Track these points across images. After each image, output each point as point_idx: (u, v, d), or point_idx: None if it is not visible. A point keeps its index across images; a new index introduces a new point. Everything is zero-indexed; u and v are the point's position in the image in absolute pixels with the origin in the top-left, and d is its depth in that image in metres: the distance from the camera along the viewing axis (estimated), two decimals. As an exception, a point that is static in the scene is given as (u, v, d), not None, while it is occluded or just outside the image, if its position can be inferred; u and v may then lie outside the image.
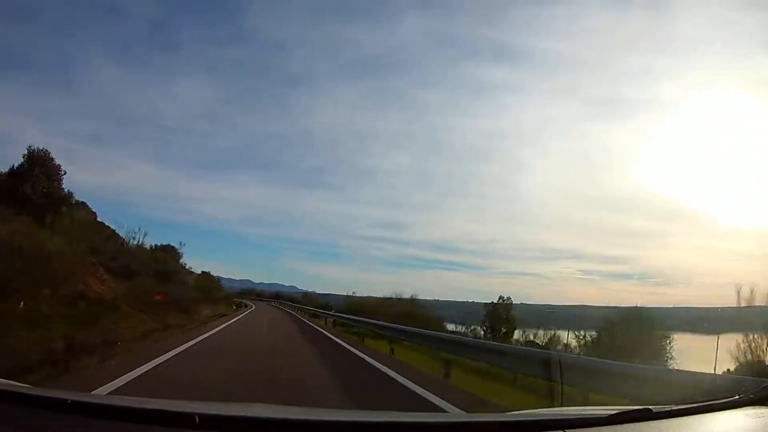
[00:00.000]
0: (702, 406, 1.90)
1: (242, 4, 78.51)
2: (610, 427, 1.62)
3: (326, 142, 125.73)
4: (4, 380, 1.92)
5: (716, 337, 13.24)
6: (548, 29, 66.19)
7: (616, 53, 70.33)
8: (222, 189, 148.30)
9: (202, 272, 41.31)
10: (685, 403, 1.95)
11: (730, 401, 1.92)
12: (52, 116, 79.82)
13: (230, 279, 72.90)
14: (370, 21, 75.47)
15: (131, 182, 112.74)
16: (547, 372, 5.41)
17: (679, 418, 1.78)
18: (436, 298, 47.17)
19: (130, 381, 5.86)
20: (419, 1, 66.39)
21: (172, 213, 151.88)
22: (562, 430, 1.58)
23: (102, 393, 4.82)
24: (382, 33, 76.47)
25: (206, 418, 1.45)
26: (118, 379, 5.77)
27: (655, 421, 1.73)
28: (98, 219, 23.66)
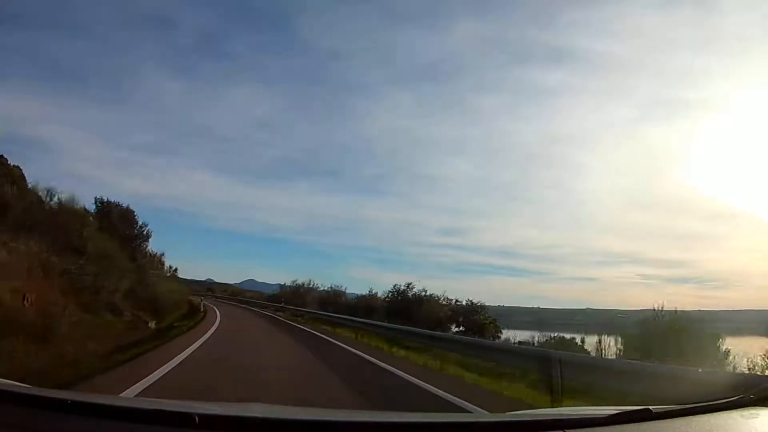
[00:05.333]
0: (702, 406, 1.90)
1: (294, 14, 78.75)
2: (609, 427, 1.62)
3: (386, 149, 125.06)
4: (4, 380, 1.92)
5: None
6: (602, 31, 65.54)
7: (668, 53, 69.41)
8: (282, 197, 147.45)
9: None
10: (685, 403, 1.95)
11: (730, 401, 1.91)
12: (111, 128, 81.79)
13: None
14: (423, 28, 75.31)
15: (189, 191, 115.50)
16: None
17: (679, 419, 1.78)
18: (501, 304, 43.02)
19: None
20: (472, 7, 65.96)
21: (232, 221, 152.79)
22: (562, 430, 1.58)
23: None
24: (436, 39, 76.15)
25: (206, 418, 1.45)
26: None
27: (655, 422, 1.73)
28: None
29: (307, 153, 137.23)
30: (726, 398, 1.94)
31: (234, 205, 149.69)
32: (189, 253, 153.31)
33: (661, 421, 1.75)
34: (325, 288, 35.00)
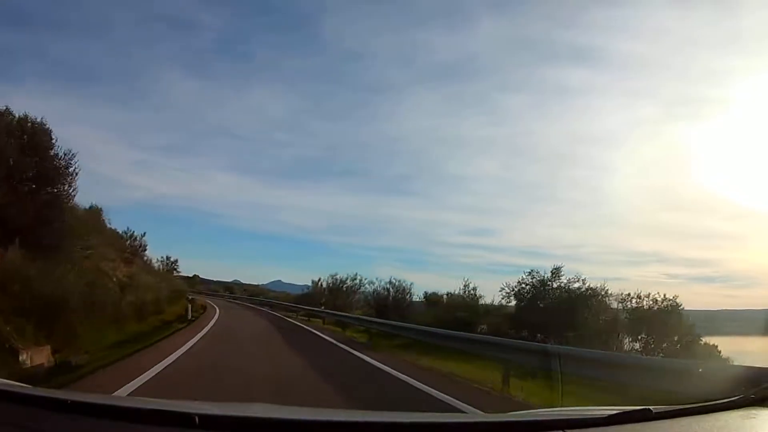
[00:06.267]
0: (702, 406, 1.90)
1: (314, 13, 78.34)
2: (609, 427, 1.62)
3: (410, 148, 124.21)
4: (4, 380, 1.93)
5: None
6: (625, 30, 64.94)
7: (691, 53, 68.07)
8: (305, 198, 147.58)
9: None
10: (685, 404, 1.95)
11: (730, 401, 1.91)
12: (130, 129, 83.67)
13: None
14: (446, 27, 74.76)
15: (211, 192, 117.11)
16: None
17: (679, 419, 1.78)
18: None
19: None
20: (494, 5, 65.65)
21: (256, 223, 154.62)
22: (562, 430, 1.58)
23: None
24: (458, 38, 75.51)
25: (206, 418, 1.44)
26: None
27: (654, 422, 1.72)
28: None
29: (329, 153, 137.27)
30: (726, 398, 1.94)
31: (257, 206, 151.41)
32: (213, 254, 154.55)
33: (661, 421, 1.74)
34: (381, 285, 23.27)
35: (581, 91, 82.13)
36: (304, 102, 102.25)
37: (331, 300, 27.25)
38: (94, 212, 18.98)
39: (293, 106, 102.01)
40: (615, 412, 1.70)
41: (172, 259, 38.39)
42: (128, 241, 22.58)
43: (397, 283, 22.62)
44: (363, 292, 27.59)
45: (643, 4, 56.99)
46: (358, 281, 28.55)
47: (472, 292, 18.28)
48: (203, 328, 15.05)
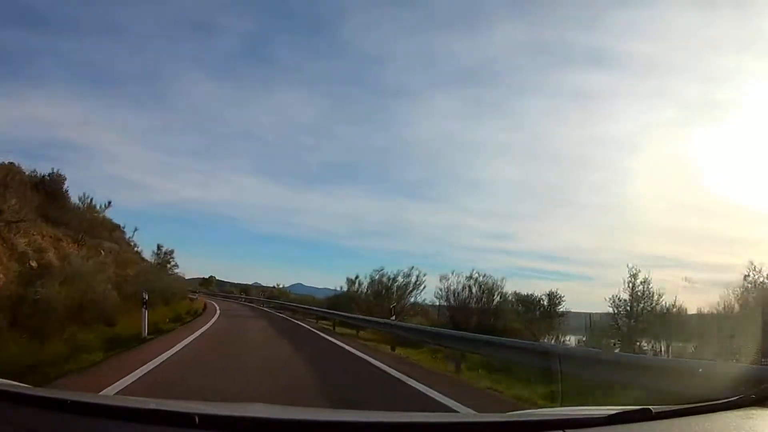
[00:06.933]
0: (702, 406, 1.90)
1: (336, 18, 78.60)
2: (609, 427, 1.62)
3: (429, 153, 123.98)
4: (4, 380, 1.93)
5: None
6: (642, 33, 64.43)
7: (710, 55, 66.95)
8: (327, 201, 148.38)
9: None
10: (685, 404, 1.95)
11: (730, 401, 1.91)
12: (149, 131, 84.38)
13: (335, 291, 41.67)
14: (464, 31, 75.14)
15: (233, 196, 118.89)
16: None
17: (679, 419, 1.78)
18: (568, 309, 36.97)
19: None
20: (511, 9, 65.85)
21: (278, 226, 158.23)
22: (562, 430, 1.58)
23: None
24: (476, 43, 75.75)
25: (206, 418, 1.45)
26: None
27: (654, 422, 1.72)
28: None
29: (350, 157, 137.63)
30: (726, 398, 1.94)
31: (279, 210, 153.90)
32: (233, 256, 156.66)
33: (661, 421, 1.74)
34: (458, 282, 15.77)
35: (599, 95, 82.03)
36: (328, 106, 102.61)
37: (372, 308, 19.58)
38: (55, 179, 16.56)
39: (317, 111, 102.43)
40: (615, 412, 1.70)
41: (165, 250, 29.65)
42: (87, 214, 16.69)
43: (481, 279, 15.33)
44: (418, 294, 20.38)
45: (662, 6, 56.83)
46: (414, 279, 20.27)
47: (642, 289, 11.10)
48: (129, 374, 6.24)
